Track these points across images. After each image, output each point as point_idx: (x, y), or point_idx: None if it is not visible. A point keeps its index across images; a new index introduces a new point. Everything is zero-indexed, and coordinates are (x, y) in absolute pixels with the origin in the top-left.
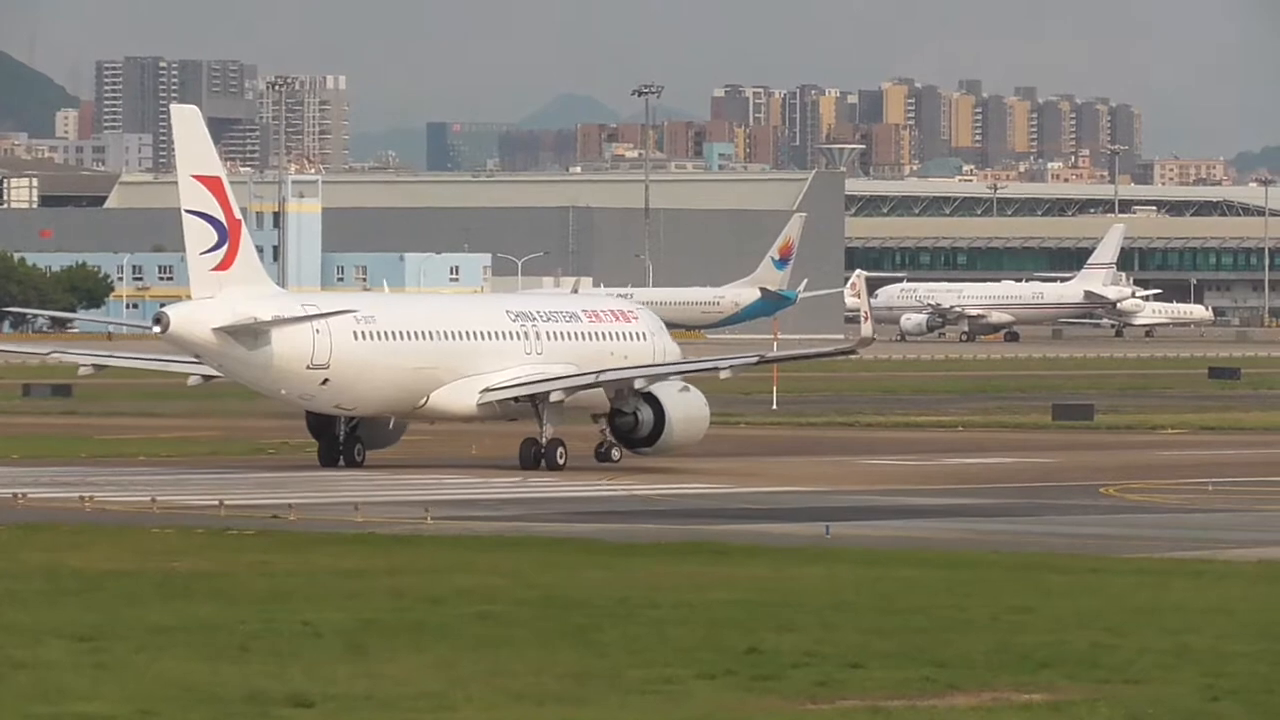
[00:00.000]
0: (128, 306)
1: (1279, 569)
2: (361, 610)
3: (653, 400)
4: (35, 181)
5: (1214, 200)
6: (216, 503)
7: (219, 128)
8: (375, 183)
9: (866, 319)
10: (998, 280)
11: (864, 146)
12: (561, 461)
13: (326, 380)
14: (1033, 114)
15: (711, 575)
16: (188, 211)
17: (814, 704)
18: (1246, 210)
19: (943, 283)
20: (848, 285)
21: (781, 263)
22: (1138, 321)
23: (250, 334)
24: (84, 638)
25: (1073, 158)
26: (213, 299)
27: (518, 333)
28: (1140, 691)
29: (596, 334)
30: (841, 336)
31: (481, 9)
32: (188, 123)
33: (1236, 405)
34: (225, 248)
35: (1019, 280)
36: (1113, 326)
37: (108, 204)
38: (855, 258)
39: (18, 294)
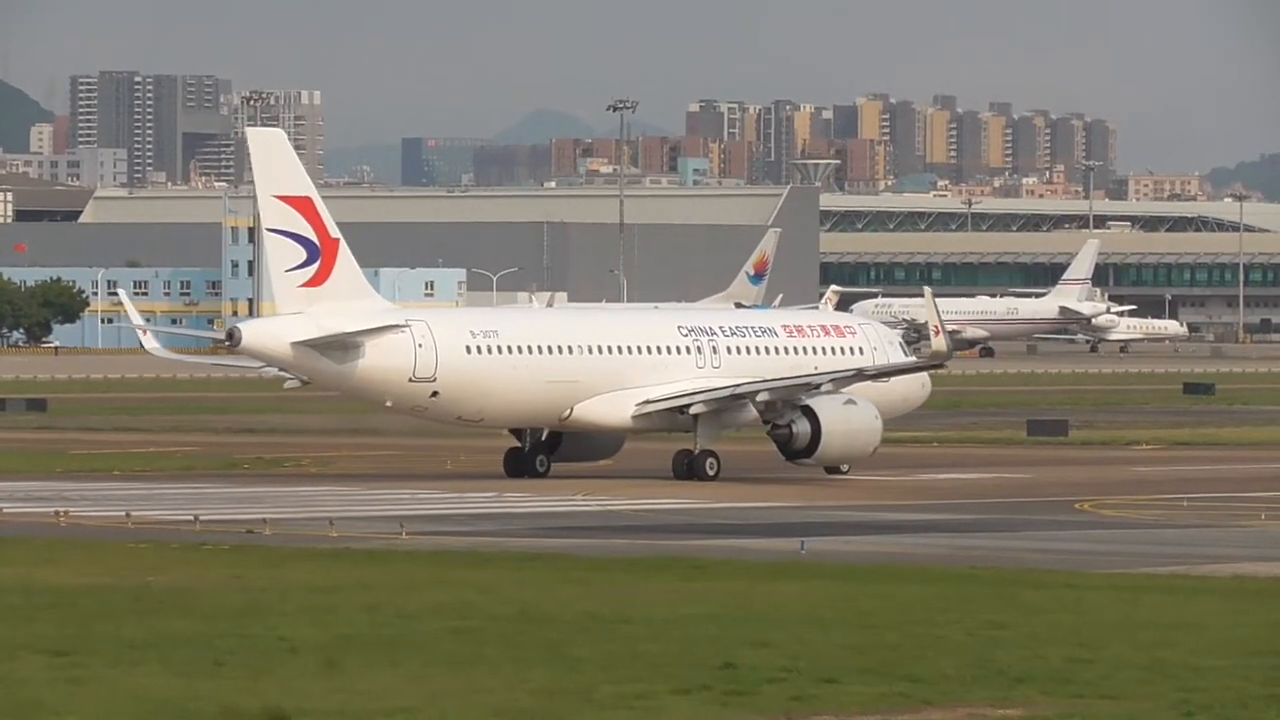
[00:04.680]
0: (103, 321)
1: (1253, 584)
2: (336, 625)
3: (810, 413)
4: (10, 196)
5: (1189, 216)
6: (191, 518)
7: (193, 143)
8: (350, 198)
9: (938, 333)
10: (972, 296)
11: (839, 162)
12: (711, 472)
13: (436, 393)
14: (1007, 129)
15: (686, 591)
16: (270, 230)
17: (788, 719)
18: (1221, 226)
19: (917, 298)
20: (822, 300)
21: (756, 278)
22: (1112, 337)
23: (339, 348)
24: (58, 653)
25: (1047, 173)
26: (299, 314)
27: (688, 347)
28: (1115, 707)
29: (795, 348)
30: None
31: (456, 25)
32: (269, 145)
33: (1211, 421)
34: (317, 265)
35: (994, 296)
36: (1087, 342)
37: (82, 219)
38: (830, 273)
39: None
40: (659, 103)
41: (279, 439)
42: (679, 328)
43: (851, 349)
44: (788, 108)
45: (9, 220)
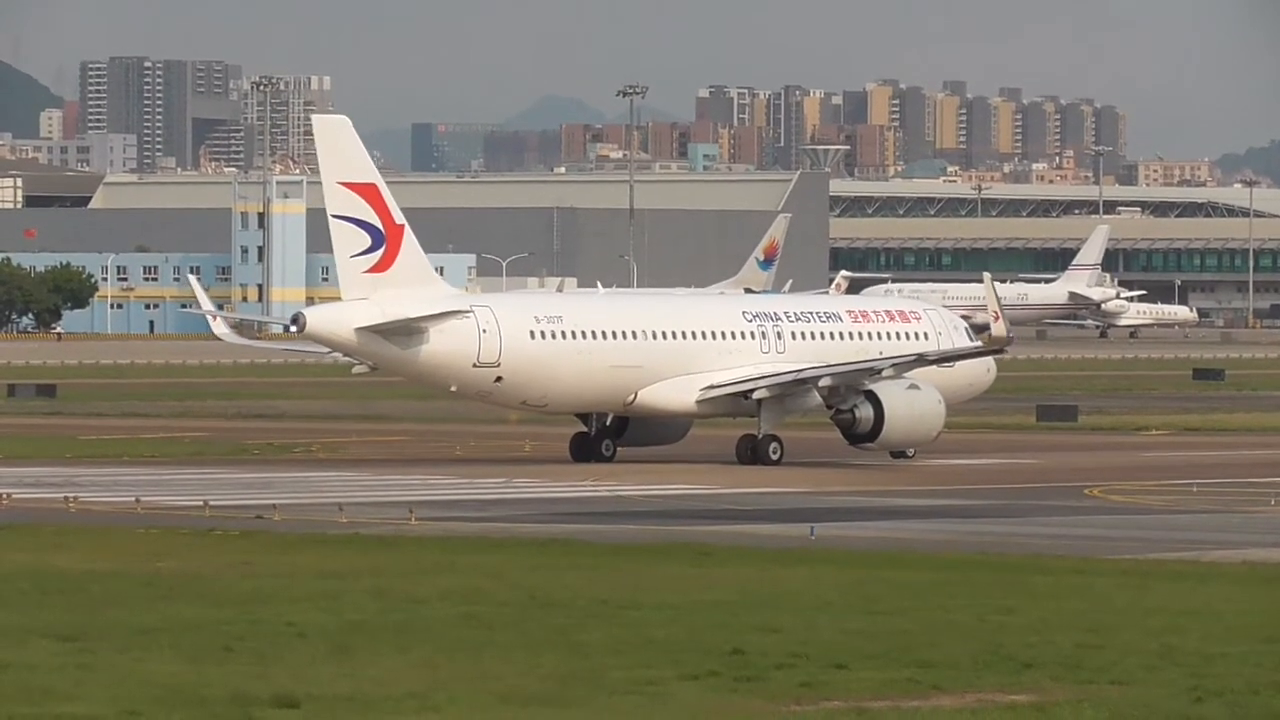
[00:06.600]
0: (112, 307)
1: (1263, 570)
2: (345, 611)
3: (874, 398)
4: (19, 181)
5: (1198, 201)
6: (201, 503)
7: (203, 128)
8: None
9: (997, 319)
10: (982, 281)
11: (848, 147)
12: (775, 457)
13: (500, 379)
14: (1017, 115)
15: (696, 576)
16: (335, 217)
17: (798, 705)
18: (1231, 211)
19: (927, 283)
20: (832, 286)
21: (766, 263)
22: (1122, 322)
23: (403, 333)
24: (68, 638)
25: (1057, 159)
26: (364, 300)
27: (753, 332)
28: (1125, 693)
29: (860, 334)
30: None
31: (466, 10)
32: (335, 132)
33: (1221, 406)
34: (381, 251)
35: (1003, 281)
36: (1097, 327)
37: (92, 204)
38: (840, 258)
39: (2, 294)
40: (669, 88)
41: (289, 424)
42: (744, 313)
43: (916, 334)
44: (797, 93)
45: (19, 206)
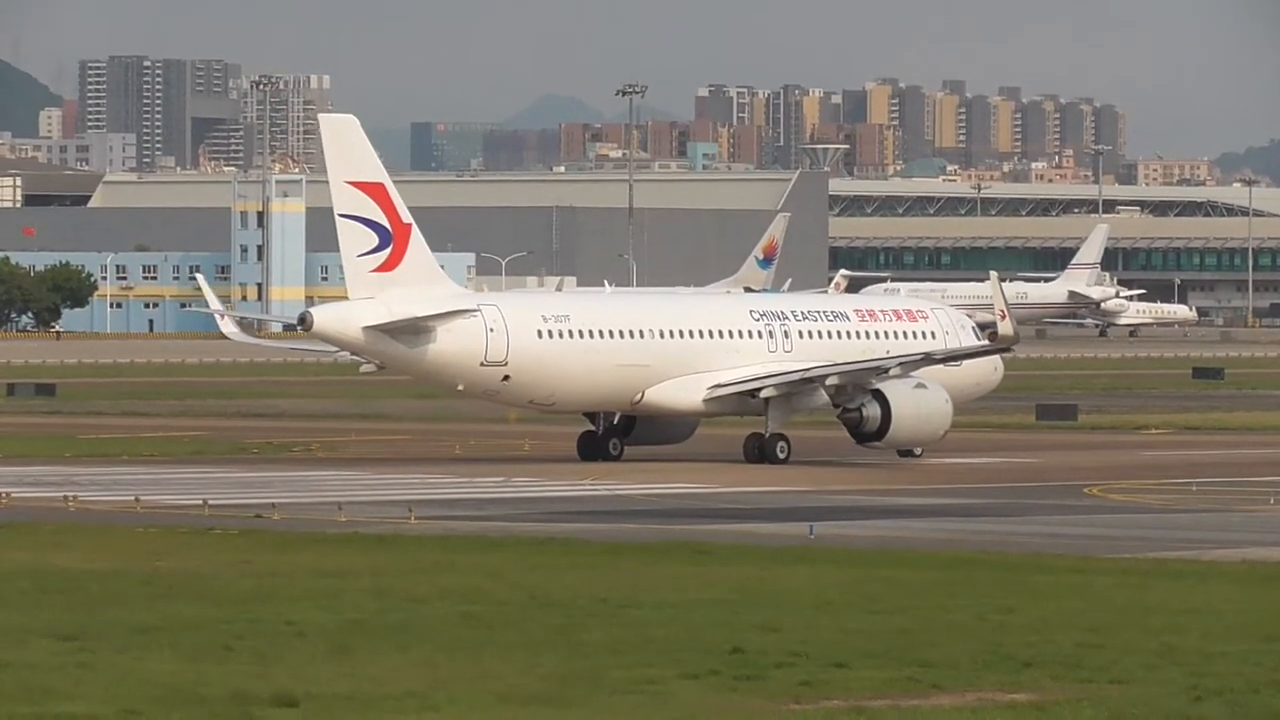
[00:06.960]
0: (111, 306)
1: (1263, 569)
2: (345, 610)
3: (881, 397)
4: (19, 180)
5: (1198, 200)
6: (200, 502)
7: (202, 127)
8: None
9: (1004, 318)
10: (982, 280)
11: (848, 147)
12: (782, 456)
13: (507, 377)
14: (1016, 114)
15: (695, 575)
16: (341, 216)
17: (798, 704)
18: (1230, 210)
19: (927, 283)
20: (831, 285)
21: (765, 262)
22: (1122, 322)
23: (410, 332)
24: (67, 637)
25: (1057, 158)
26: (371, 299)
27: (760, 331)
28: (1124, 692)
29: (867, 333)
30: None
31: (466, 9)
32: (342, 131)
33: (1220, 405)
34: (389, 250)
35: (1003, 280)
36: (1097, 326)
37: (91, 203)
38: (839, 257)
39: (1, 293)
40: (668, 87)
41: (288, 424)
42: (750, 312)
43: (924, 333)
44: (797, 92)
45: (18, 205)
